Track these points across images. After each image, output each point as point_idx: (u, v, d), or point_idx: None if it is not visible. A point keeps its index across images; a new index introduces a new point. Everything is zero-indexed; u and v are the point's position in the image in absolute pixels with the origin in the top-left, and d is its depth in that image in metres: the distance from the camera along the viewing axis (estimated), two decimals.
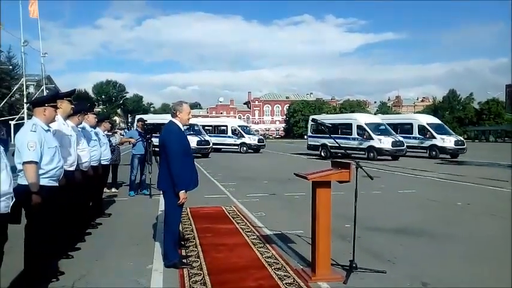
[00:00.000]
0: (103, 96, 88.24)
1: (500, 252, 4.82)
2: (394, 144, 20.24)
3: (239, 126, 29.28)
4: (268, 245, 4.92)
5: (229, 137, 28.13)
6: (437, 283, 3.79)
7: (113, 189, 9.45)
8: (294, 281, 3.76)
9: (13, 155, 3.61)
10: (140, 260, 4.41)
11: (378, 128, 21.41)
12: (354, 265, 3.97)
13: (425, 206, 7.90)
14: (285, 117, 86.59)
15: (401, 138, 21.07)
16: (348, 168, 3.87)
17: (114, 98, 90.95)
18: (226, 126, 28.78)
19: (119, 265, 4.27)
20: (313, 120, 23.96)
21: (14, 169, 3.16)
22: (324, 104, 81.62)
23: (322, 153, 22.91)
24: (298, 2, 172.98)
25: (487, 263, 4.42)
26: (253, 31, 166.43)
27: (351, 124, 21.94)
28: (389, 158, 20.25)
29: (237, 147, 27.42)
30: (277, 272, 3.97)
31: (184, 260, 4.29)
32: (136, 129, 9.71)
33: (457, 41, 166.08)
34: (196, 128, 23.63)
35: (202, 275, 3.91)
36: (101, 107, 79.65)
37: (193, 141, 20.34)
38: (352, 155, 19.02)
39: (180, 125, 4.23)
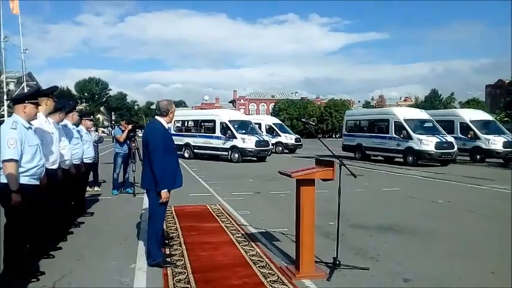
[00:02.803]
0: (86, 94, 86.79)
1: (481, 248, 4.94)
2: (439, 145, 15.99)
3: (274, 124, 26.51)
4: (252, 243, 4.93)
5: (266, 135, 23.86)
6: (419, 279, 3.86)
7: (96, 188, 9.31)
8: (278, 278, 3.77)
9: None
10: (123, 259, 4.36)
11: (421, 126, 17.26)
12: (338, 262, 4.01)
13: (408, 204, 8.03)
14: (270, 115, 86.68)
15: (451, 139, 16.63)
16: (331, 166, 3.90)
17: (97, 95, 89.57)
18: (260, 124, 24.59)
19: (101, 264, 4.22)
20: (348, 115, 21.78)
21: None
22: (309, 103, 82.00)
23: (356, 155, 19.54)
24: (283, 1, 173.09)
25: (468, 259, 4.52)
26: (237, 29, 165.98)
27: (387, 120, 18.03)
28: (437, 163, 16.35)
29: (272, 147, 22.07)
30: (261, 270, 3.98)
31: (168, 259, 4.27)
32: (120, 127, 9.57)
33: (438, 40, 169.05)
34: (250, 126, 19.81)
35: (186, 274, 3.89)
36: (83, 104, 78.31)
37: (251, 141, 18.06)
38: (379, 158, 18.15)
39: (165, 124, 4.21)
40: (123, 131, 9.14)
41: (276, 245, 4.94)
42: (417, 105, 78.23)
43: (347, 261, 4.12)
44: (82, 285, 3.69)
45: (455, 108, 72.94)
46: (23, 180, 3.51)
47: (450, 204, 7.92)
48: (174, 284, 3.65)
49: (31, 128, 3.74)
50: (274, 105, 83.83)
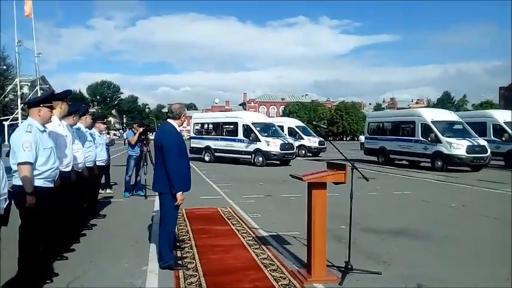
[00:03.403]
0: (98, 97, 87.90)
1: (495, 253, 4.85)
2: (470, 149, 14.84)
3: (296, 126, 25.23)
4: (263, 246, 4.92)
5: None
6: (432, 284, 3.81)
7: (108, 190, 9.40)
8: (289, 282, 3.76)
9: (7, 155, 3.59)
10: (135, 262, 4.39)
11: (450, 128, 16.07)
12: (350, 266, 3.98)
13: (420, 208, 7.94)
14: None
15: (484, 142, 15.44)
16: (343, 169, 3.88)
17: (108, 98, 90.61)
18: (282, 126, 23.43)
19: (113, 266, 4.25)
20: (370, 116, 20.57)
21: (8, 170, 3.14)
22: (320, 106, 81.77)
23: (379, 159, 18.44)
24: (293, 3, 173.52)
25: (482, 264, 4.45)
26: (247, 32, 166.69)
27: (413, 122, 16.82)
28: (468, 169, 15.28)
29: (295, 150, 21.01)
30: (273, 274, 3.97)
31: (180, 262, 4.28)
32: (132, 130, 9.65)
33: (449, 42, 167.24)
34: (273, 128, 19.04)
35: (197, 277, 3.90)
36: (95, 107, 79.27)
37: (275, 144, 17.35)
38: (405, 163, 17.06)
39: (177, 127, 4.24)
40: (135, 134, 9.22)
41: (287, 248, 4.92)
42: (430, 107, 77.71)
43: (359, 265, 4.08)
44: (95, 287, 3.72)
45: (468, 110, 72.21)
46: (38, 182, 3.56)
47: (464, 208, 7.80)
48: (185, 286, 3.66)
49: (45, 131, 3.79)
50: (285, 108, 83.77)
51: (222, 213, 7.07)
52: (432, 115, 16.67)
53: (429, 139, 15.63)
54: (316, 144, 24.21)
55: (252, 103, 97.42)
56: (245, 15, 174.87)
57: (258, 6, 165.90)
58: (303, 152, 23.67)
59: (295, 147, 18.76)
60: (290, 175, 4.28)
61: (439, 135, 15.46)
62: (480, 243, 5.34)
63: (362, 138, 29.52)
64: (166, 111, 4.81)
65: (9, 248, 3.46)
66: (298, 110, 75.99)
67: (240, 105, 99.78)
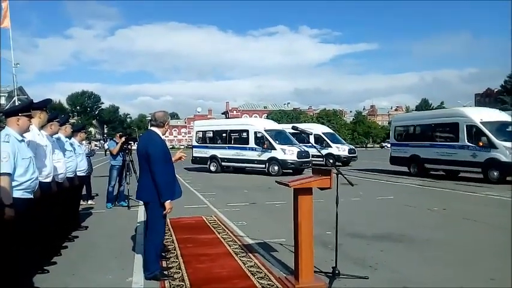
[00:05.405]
0: (78, 107, 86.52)
1: (479, 255, 4.94)
2: None
3: (323, 133, 22.97)
4: (250, 254, 4.88)
5: (311, 146, 21.43)
6: (417, 287, 3.83)
7: (89, 202, 9.20)
8: None
9: None
10: (119, 273, 4.29)
11: (504, 130, 13.22)
12: (337, 272, 3.98)
13: (403, 212, 8.04)
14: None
15: None
16: (328, 175, 3.90)
17: (89, 108, 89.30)
18: (309, 135, 23.22)
19: (97, 279, 4.14)
20: (396, 120, 18.04)
21: None
22: (301, 114, 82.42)
23: (411, 170, 15.98)
24: (273, 13, 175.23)
25: (466, 267, 4.51)
26: (228, 41, 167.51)
27: (456, 124, 14.09)
28: None
29: (321, 159, 19.18)
30: (260, 281, 3.93)
31: (166, 272, 4.20)
32: (114, 140, 9.51)
33: (426, 50, 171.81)
34: (286, 136, 17.70)
35: (184, 286, 3.83)
36: (75, 118, 77.90)
37: (292, 152, 16.26)
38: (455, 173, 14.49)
39: (161, 135, 4.19)
40: (117, 143, 9.08)
41: (274, 255, 4.89)
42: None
43: (346, 270, 4.08)
44: None
45: None
46: (17, 194, 3.44)
47: (446, 212, 7.93)
48: None
49: (24, 141, 3.69)
50: (267, 116, 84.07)
51: (207, 221, 6.99)
52: (481, 115, 13.80)
53: (481, 144, 13.02)
54: (346, 153, 22.03)
55: (235, 112, 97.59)
56: (226, 24, 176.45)
57: (238, 15, 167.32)
58: (331, 161, 20.38)
59: (310, 155, 17.04)
60: (276, 181, 4.27)
61: (493, 139, 12.71)
62: (464, 246, 5.42)
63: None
64: (149, 119, 4.75)
65: None
66: (280, 118, 76.38)
67: (222, 113, 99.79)
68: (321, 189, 3.93)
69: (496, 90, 68.77)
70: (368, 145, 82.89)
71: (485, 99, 79.07)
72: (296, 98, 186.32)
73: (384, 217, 7.51)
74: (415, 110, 79.41)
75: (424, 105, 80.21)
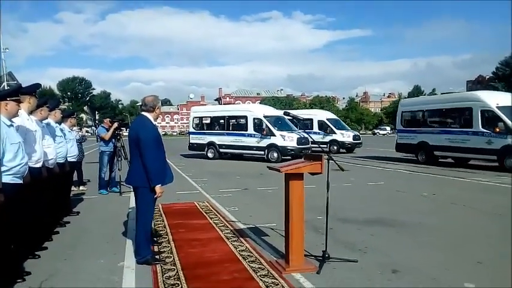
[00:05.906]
0: (68, 93, 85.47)
1: (467, 240, 5.03)
2: None
3: (328, 119, 22.55)
4: (242, 239, 4.92)
5: (314, 133, 21.23)
6: (407, 271, 3.90)
7: (81, 187, 9.17)
8: (268, 272, 3.77)
9: None
10: (111, 258, 4.31)
11: None
12: (327, 255, 4.03)
13: (393, 197, 8.14)
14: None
15: None
16: (319, 160, 3.92)
17: (80, 94, 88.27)
18: (312, 119, 21.89)
19: (89, 264, 4.15)
20: (404, 104, 16.84)
21: None
22: (294, 100, 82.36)
23: (419, 157, 15.23)
24: None
25: (455, 251, 4.60)
26: (221, 27, 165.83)
27: (469, 109, 13.27)
28: None
29: (325, 145, 20.13)
30: (251, 265, 3.98)
31: (157, 256, 4.22)
32: (103, 126, 9.42)
33: (419, 37, 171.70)
34: (285, 122, 17.19)
35: (176, 270, 3.86)
36: (66, 104, 76.99)
37: (291, 139, 16.00)
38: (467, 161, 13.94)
39: (153, 120, 4.16)
40: (107, 130, 9.01)
41: (265, 240, 4.94)
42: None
43: (336, 254, 4.14)
44: (69, 285, 3.62)
45: None
46: (6, 179, 3.41)
47: (435, 197, 8.05)
48: (163, 280, 3.61)
49: (12, 126, 3.64)
50: (260, 103, 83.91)
51: (199, 207, 7.02)
52: (497, 99, 12.96)
53: (497, 130, 12.17)
54: (351, 139, 21.53)
55: (228, 98, 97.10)
56: (219, 9, 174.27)
57: (231, 0, 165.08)
58: (335, 148, 20.85)
59: (309, 142, 16.39)
60: (267, 167, 4.29)
61: (511, 124, 11.89)
62: (453, 230, 5.52)
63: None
64: (140, 104, 4.72)
65: None
66: (273, 104, 76.13)
67: (215, 100, 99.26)
68: (312, 174, 3.96)
69: (488, 77, 69.12)
70: (360, 132, 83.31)
71: (477, 86, 79.57)
72: (289, 84, 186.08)
73: (374, 202, 7.59)
74: (407, 97, 79.77)
75: (416, 92, 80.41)
